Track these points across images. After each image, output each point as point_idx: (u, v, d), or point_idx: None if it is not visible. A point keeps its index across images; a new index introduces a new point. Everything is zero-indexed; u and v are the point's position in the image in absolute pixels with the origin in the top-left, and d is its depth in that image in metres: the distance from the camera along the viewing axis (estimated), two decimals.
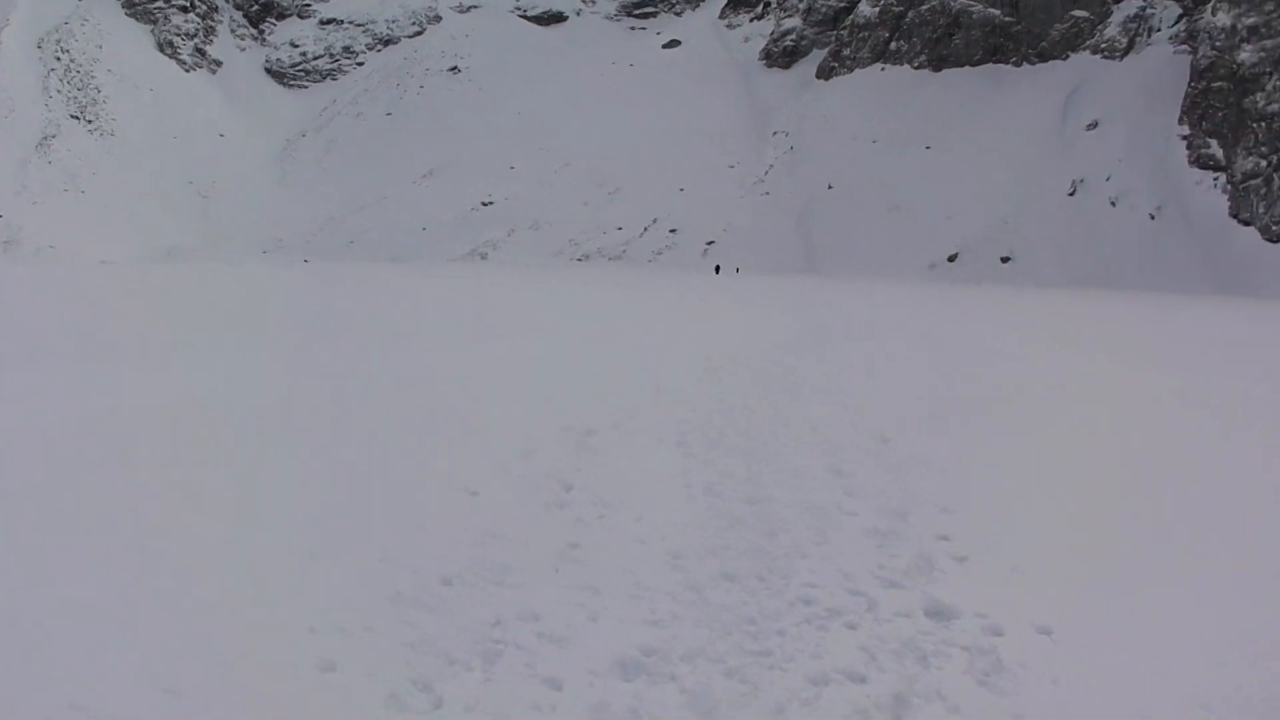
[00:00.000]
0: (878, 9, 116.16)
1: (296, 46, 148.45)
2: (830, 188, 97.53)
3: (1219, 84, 76.32)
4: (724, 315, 30.16)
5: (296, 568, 5.97)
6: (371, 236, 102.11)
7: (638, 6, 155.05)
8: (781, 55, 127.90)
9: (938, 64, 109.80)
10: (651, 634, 5.37)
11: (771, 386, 14.60)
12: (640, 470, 8.81)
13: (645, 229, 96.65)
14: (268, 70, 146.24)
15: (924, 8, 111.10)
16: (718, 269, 77.44)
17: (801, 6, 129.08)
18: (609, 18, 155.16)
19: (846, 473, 9.04)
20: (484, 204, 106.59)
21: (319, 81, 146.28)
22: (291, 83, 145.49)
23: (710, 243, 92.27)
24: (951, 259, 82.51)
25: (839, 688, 4.90)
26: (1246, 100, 73.06)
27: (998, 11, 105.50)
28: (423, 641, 5.11)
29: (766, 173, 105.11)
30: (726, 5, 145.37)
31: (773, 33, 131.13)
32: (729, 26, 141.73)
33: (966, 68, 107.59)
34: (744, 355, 18.69)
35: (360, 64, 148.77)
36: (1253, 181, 71.58)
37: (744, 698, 4.78)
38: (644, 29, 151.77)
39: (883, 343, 22.57)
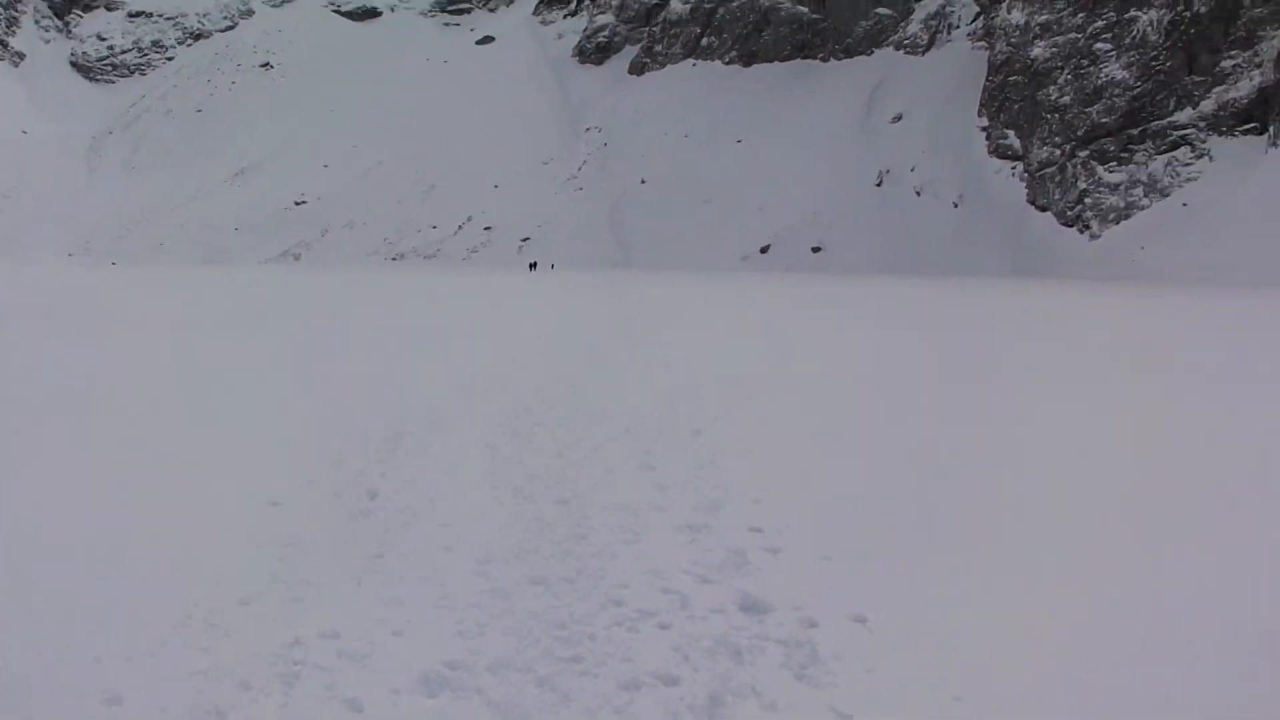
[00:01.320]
0: (689, 6, 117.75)
1: (104, 40, 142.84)
2: (643, 182, 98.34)
3: (1015, 78, 79.35)
4: (535, 311, 29.79)
5: (79, 592, 5.55)
6: (183, 238, 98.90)
7: (452, 3, 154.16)
8: (595, 51, 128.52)
9: (748, 60, 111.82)
10: (458, 645, 5.05)
11: (581, 382, 14.31)
12: (449, 474, 8.49)
13: (460, 227, 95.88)
14: (74, 64, 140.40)
15: (734, 4, 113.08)
16: (533, 265, 77.17)
17: (614, 3, 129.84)
18: (423, 14, 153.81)
19: (659, 468, 8.83)
20: (297, 203, 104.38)
21: (127, 76, 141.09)
22: (99, 77, 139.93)
23: (525, 239, 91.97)
24: (764, 250, 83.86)
25: (652, 690, 4.65)
26: (1040, 93, 76.12)
27: (806, 9, 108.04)
28: (215, 668, 4.68)
29: (580, 168, 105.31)
30: (540, 2, 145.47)
31: (586, 29, 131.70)
32: (543, 23, 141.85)
33: (776, 63, 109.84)
34: (554, 351, 18.48)
35: (170, 59, 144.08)
36: (1048, 169, 74.61)
37: (554, 707, 4.53)
38: (458, 25, 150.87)
39: (694, 333, 22.25)
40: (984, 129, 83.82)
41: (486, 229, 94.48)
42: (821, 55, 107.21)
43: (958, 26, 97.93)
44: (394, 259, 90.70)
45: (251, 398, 12.37)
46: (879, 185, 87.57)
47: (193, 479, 8.05)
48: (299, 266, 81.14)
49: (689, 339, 20.61)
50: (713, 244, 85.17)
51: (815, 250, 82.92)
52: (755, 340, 20.85)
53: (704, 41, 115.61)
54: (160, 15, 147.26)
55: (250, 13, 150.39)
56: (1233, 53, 65.73)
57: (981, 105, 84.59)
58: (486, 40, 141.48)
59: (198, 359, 16.20)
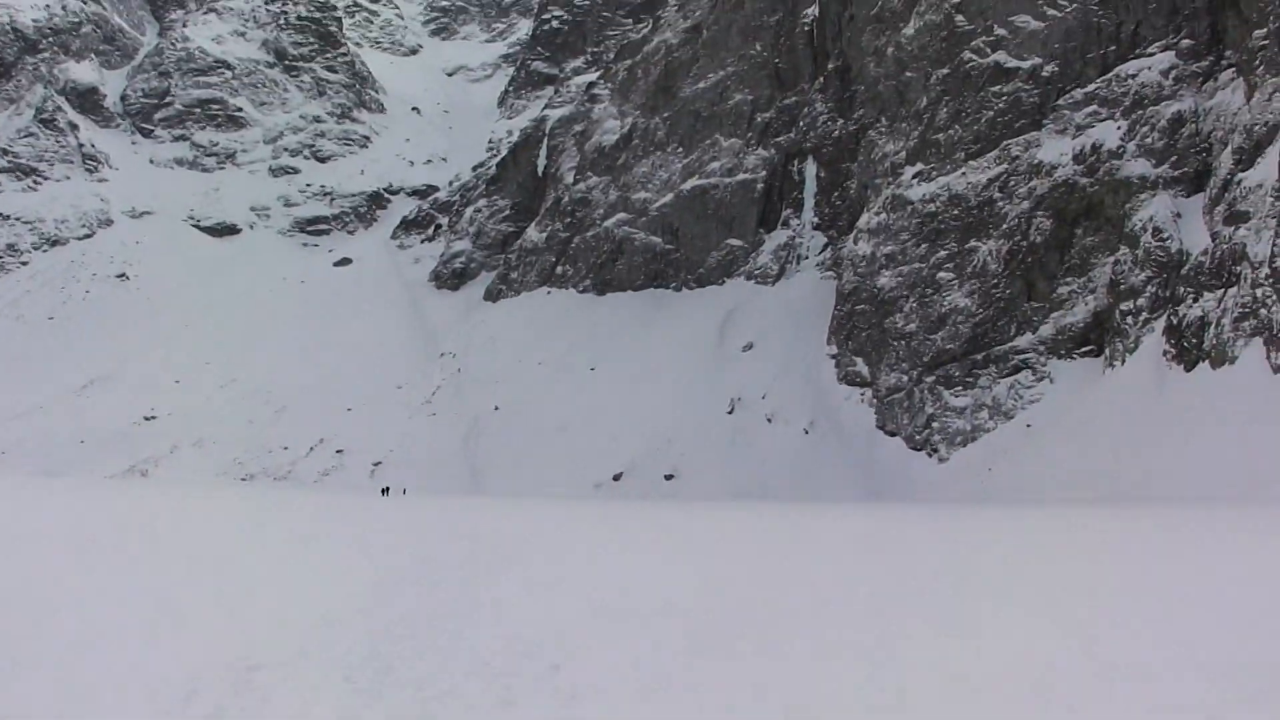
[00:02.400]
0: (545, 234, 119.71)
1: None
2: (497, 409, 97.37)
3: (862, 306, 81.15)
4: (389, 538, 28.34)
5: None
6: (25, 448, 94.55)
7: (310, 223, 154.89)
8: (451, 277, 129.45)
9: (602, 288, 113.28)
10: None
11: (439, 613, 13.72)
12: (307, 710, 7.60)
13: (312, 448, 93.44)
14: None
15: (589, 234, 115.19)
16: (385, 490, 75.09)
17: (471, 230, 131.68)
18: (282, 233, 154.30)
19: (519, 704, 8.46)
20: (147, 418, 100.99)
21: None
22: None
23: (377, 463, 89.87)
24: (617, 478, 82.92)
25: None
26: (887, 321, 77.81)
27: (659, 239, 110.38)
28: None
29: (434, 393, 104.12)
30: (398, 225, 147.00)
31: (443, 255, 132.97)
32: (400, 247, 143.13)
33: (629, 292, 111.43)
34: (410, 581, 17.54)
35: (25, 263, 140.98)
36: (895, 395, 75.60)
37: None
38: (316, 245, 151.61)
39: (543, 563, 21.48)
40: (833, 356, 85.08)
41: (338, 452, 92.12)
42: (674, 284, 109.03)
43: (806, 257, 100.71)
44: (244, 479, 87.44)
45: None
46: (730, 413, 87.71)
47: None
48: (144, 483, 77.45)
49: (541, 572, 19.60)
50: (566, 471, 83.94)
51: (668, 478, 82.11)
52: (604, 572, 20.05)
53: (559, 269, 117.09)
54: (17, 218, 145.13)
55: (109, 222, 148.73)
56: (1068, 279, 68.40)
57: (830, 333, 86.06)
58: (344, 262, 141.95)
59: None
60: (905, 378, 75.28)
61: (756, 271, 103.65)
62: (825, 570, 19.83)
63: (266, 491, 73.02)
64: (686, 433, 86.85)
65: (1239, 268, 56.28)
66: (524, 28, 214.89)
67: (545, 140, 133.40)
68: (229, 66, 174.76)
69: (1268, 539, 22.86)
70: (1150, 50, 68.48)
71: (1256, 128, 58.95)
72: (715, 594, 16.29)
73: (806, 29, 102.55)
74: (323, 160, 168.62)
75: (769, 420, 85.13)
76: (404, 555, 22.98)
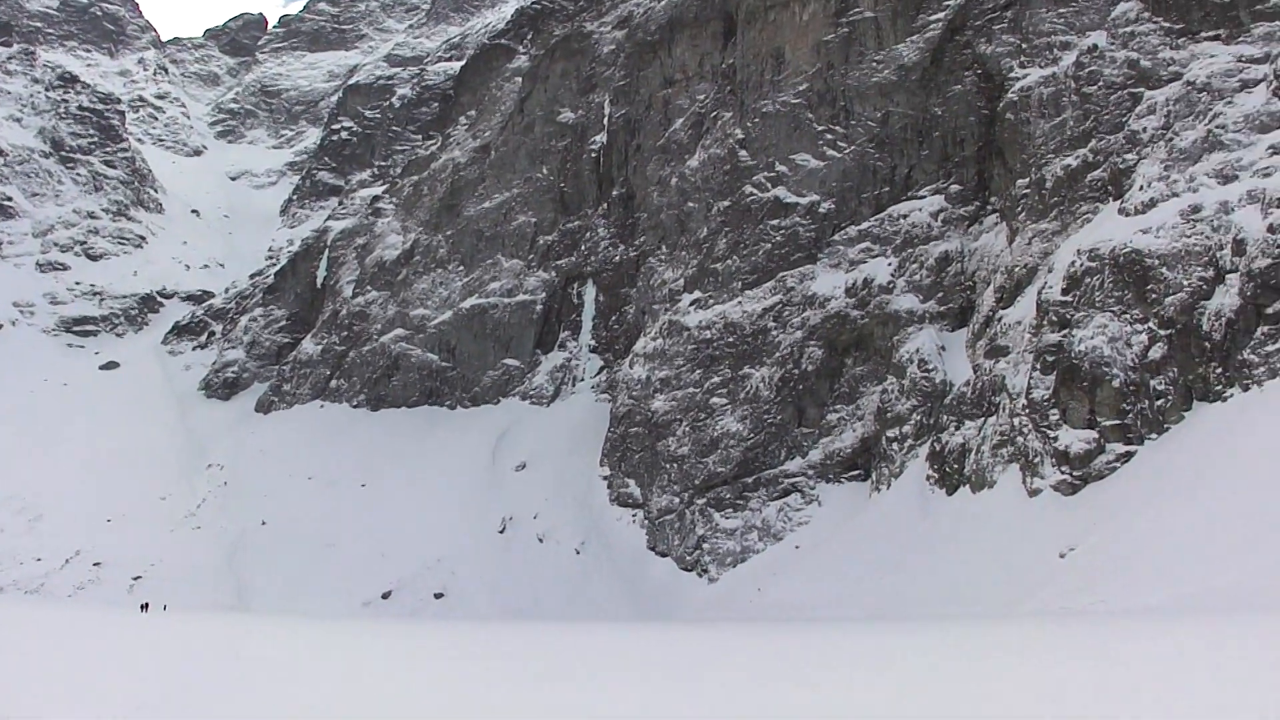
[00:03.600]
0: (320, 347, 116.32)
1: None
2: (264, 523, 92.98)
3: (635, 429, 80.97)
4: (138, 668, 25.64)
5: None
6: None
7: (78, 323, 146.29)
8: (222, 386, 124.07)
9: (376, 404, 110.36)
10: None
11: None
12: None
13: (67, 560, 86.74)
14: None
15: (365, 349, 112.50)
16: (144, 606, 69.87)
17: (245, 339, 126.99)
18: (46, 331, 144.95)
19: None
20: None
21: None
22: None
23: (137, 578, 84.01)
24: (386, 596, 79.84)
25: None
26: (660, 444, 77.73)
27: (435, 356, 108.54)
28: None
29: (199, 506, 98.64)
30: (170, 331, 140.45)
31: (214, 363, 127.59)
32: (171, 353, 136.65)
33: (404, 408, 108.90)
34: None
35: None
36: (667, 517, 75.20)
37: None
38: (82, 347, 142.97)
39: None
40: (606, 478, 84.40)
41: (96, 565, 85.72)
42: (449, 403, 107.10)
43: (582, 379, 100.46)
44: None
45: None
46: (502, 532, 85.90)
47: None
48: None
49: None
50: (334, 588, 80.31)
51: (438, 596, 79.48)
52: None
53: (333, 383, 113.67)
54: None
55: None
56: (837, 406, 69.86)
57: (604, 455, 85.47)
58: (111, 365, 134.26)
59: None
60: (677, 499, 75.02)
61: (532, 392, 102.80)
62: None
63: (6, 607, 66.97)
64: (457, 551, 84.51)
65: (998, 398, 58.34)
66: (312, 136, 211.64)
67: (326, 251, 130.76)
68: (1, 153, 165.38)
69: (1002, 654, 22.50)
70: (921, 193, 71.61)
71: (1017, 269, 61.80)
72: None
73: (593, 155, 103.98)
74: (94, 258, 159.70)
75: (540, 540, 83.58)
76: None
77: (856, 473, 67.56)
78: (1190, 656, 18.09)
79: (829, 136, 75.87)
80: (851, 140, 75.00)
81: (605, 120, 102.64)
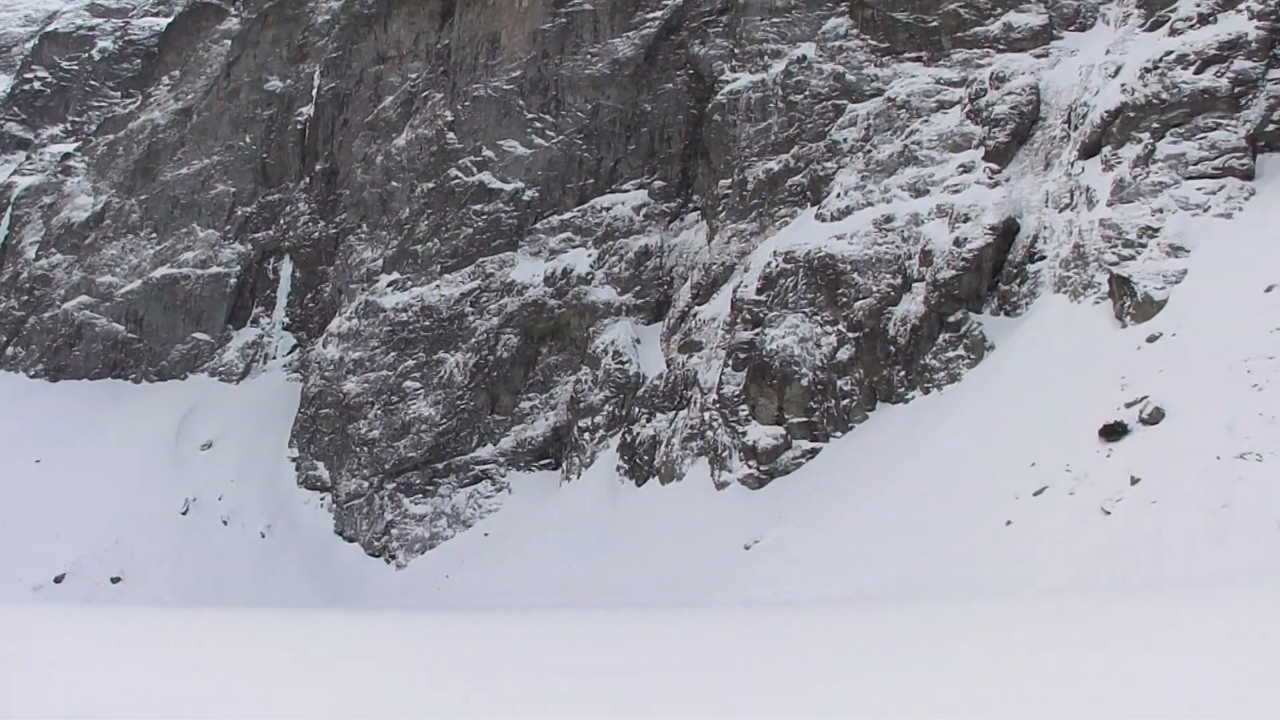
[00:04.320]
0: None
1: None
2: None
3: (326, 410, 75.86)
4: None
5: None
6: None
7: None
8: None
9: (55, 374, 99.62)
10: None
11: None
12: None
13: None
14: None
15: (47, 315, 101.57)
16: None
17: None
18: None
19: None
20: None
21: None
22: None
23: None
24: (59, 579, 71.59)
25: None
26: (350, 426, 72.96)
27: (122, 327, 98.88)
28: None
29: None
30: None
31: None
32: None
33: (86, 380, 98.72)
34: None
35: None
36: (355, 501, 70.72)
37: None
38: None
39: None
40: (294, 459, 78.74)
41: None
42: (134, 376, 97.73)
43: (274, 357, 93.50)
44: None
45: None
46: (185, 513, 78.64)
47: None
48: None
49: None
50: (3, 572, 71.43)
51: (115, 580, 71.88)
52: None
53: (9, 350, 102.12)
54: None
55: None
56: (531, 395, 67.02)
57: (293, 436, 79.74)
58: None
59: None
60: (366, 484, 70.52)
61: (221, 368, 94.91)
62: None
63: None
64: (137, 532, 76.70)
65: (690, 392, 57.09)
66: (2, 84, 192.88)
67: (9, 209, 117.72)
68: None
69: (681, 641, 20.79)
70: (626, 187, 69.41)
71: (714, 267, 60.58)
72: None
73: (299, 127, 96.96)
74: None
75: (225, 522, 76.97)
76: None
77: (548, 461, 64.92)
78: (853, 644, 17.98)
79: (538, 125, 72.69)
80: (560, 130, 72.07)
81: (314, 92, 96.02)
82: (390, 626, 33.25)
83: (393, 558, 66.67)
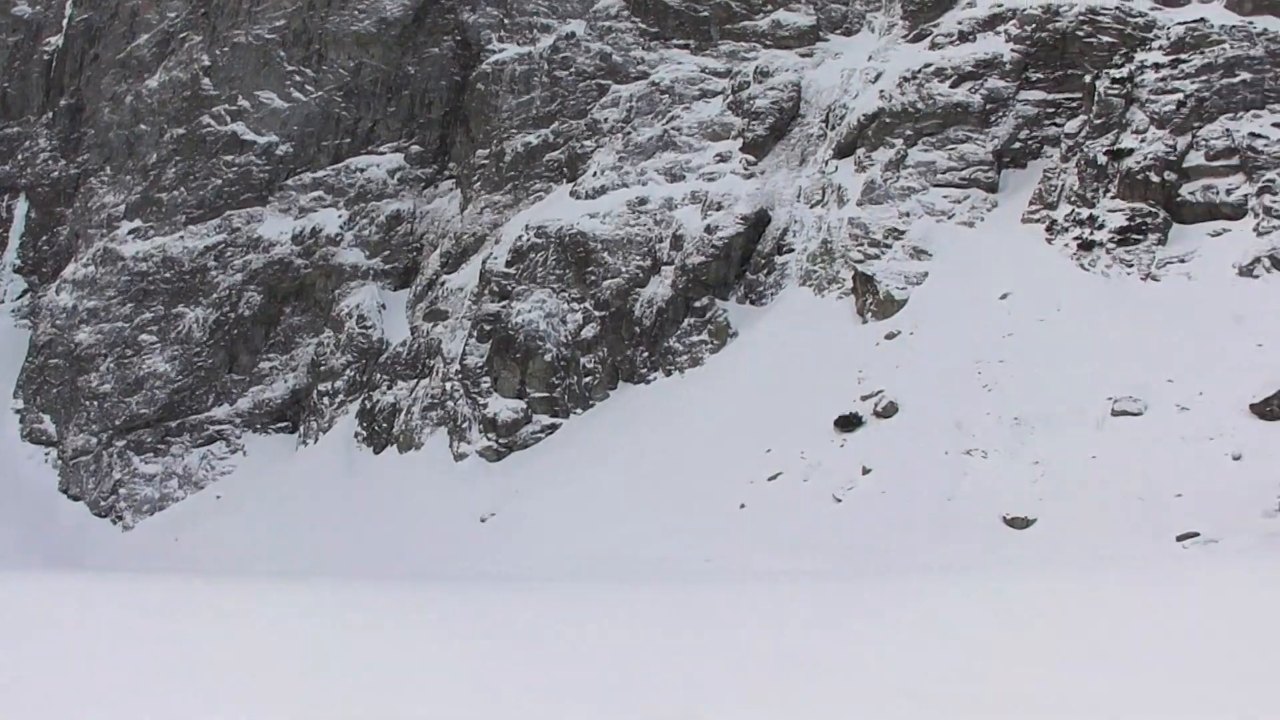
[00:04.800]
0: None
1: None
2: None
3: (56, 361, 70.09)
4: None
5: None
6: None
7: None
8: None
9: None
10: None
11: None
12: None
13: None
14: None
15: None
16: None
17: None
18: None
19: None
20: None
21: None
22: None
23: None
24: None
25: None
26: (81, 379, 67.58)
27: None
28: None
29: None
30: None
31: None
32: None
33: None
34: None
35: None
36: (82, 458, 65.54)
37: None
38: None
39: None
40: (19, 411, 72.45)
41: None
42: None
43: (3, 302, 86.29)
44: None
45: None
46: None
47: None
48: None
49: None
50: None
51: None
52: None
53: None
54: None
55: None
56: (271, 355, 63.33)
57: (19, 386, 73.34)
58: None
59: None
60: (95, 440, 65.42)
61: None
62: None
63: None
64: None
65: (433, 362, 55.10)
66: None
67: None
68: None
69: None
70: (382, 149, 66.34)
71: (465, 236, 58.76)
72: None
73: (46, 58, 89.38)
74: None
75: None
76: None
77: (285, 424, 61.53)
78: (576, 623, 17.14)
79: (298, 78, 68.73)
80: (320, 86, 68.34)
81: (65, 22, 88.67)
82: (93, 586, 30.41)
83: (119, 518, 62.12)
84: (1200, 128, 40.18)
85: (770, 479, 35.32)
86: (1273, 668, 10.15)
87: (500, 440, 49.76)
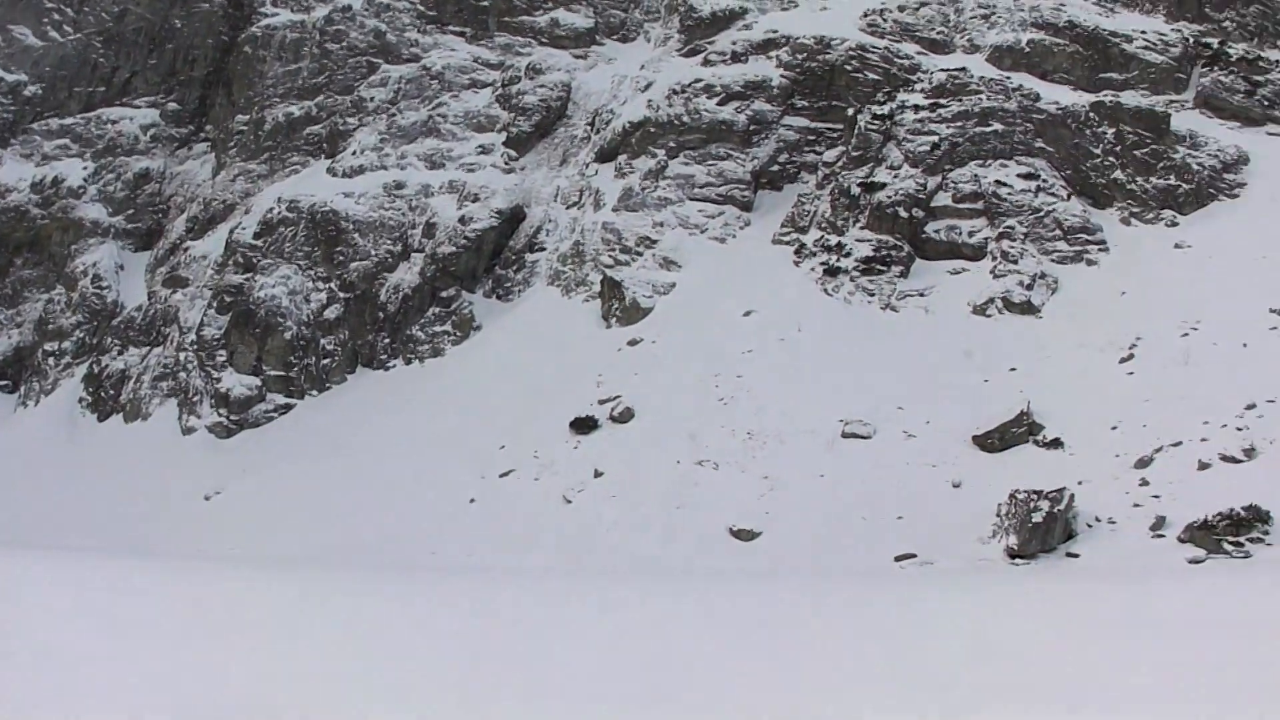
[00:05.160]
0: None
1: None
2: None
3: None
4: None
5: None
6: None
7: None
8: None
9: None
10: None
11: None
12: None
13: None
14: None
15: None
16: None
17: None
18: None
19: None
20: None
21: None
22: None
23: None
24: None
25: None
26: None
27: None
28: None
29: None
30: None
31: None
32: None
33: None
34: None
35: None
36: None
37: None
38: None
39: None
40: None
41: None
42: None
43: None
44: None
45: None
46: None
47: None
48: None
49: None
50: None
51: None
52: None
53: None
54: None
55: None
56: None
57: None
58: None
59: None
60: None
61: None
62: None
63: None
64: None
65: (168, 330, 52.13)
66: None
67: None
68: None
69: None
70: (137, 103, 62.56)
71: (215, 203, 56.18)
72: None
73: None
74: None
75: None
76: None
77: (5, 383, 57.07)
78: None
79: (57, 16, 64.39)
80: (80, 27, 64.20)
81: None
82: None
83: None
84: (951, 170, 41.89)
85: (502, 475, 34.73)
86: (954, 679, 10.48)
87: (232, 417, 47.46)
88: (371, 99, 56.04)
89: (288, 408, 47.58)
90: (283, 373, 47.90)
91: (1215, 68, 47.58)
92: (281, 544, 34.10)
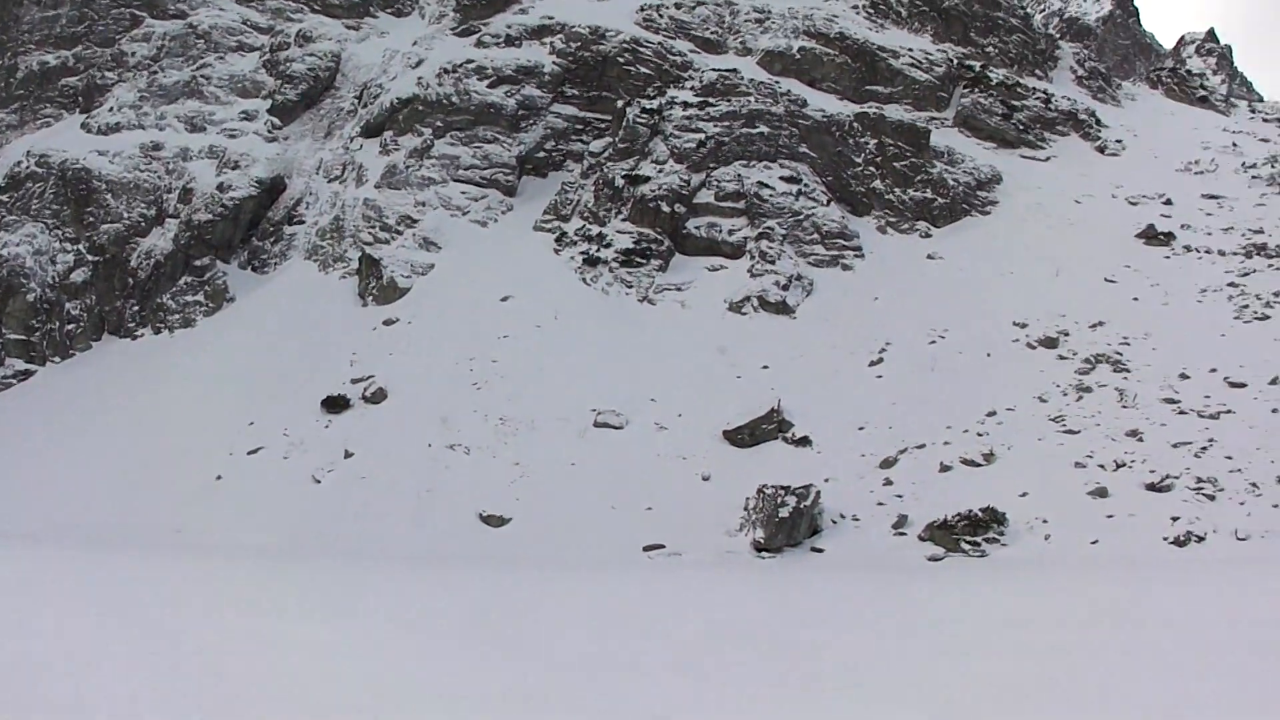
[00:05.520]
0: None
1: None
2: None
3: None
4: None
5: None
6: None
7: None
8: None
9: None
10: None
11: None
12: None
13: None
14: None
15: None
16: None
17: None
18: None
19: None
20: None
21: None
22: None
23: None
24: None
25: None
26: None
27: None
28: None
29: None
30: None
31: None
32: None
33: None
34: None
35: None
36: None
37: None
38: None
39: None
40: None
41: None
42: None
43: None
44: None
45: None
46: None
47: None
48: None
49: None
50: None
51: None
52: None
53: None
54: None
55: None
56: None
57: None
58: None
59: None
60: None
61: None
62: None
63: None
64: None
65: None
66: None
67: None
68: None
69: None
70: None
71: None
72: None
73: None
74: None
75: None
76: None
77: None
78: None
79: None
80: None
81: None
82: None
83: None
84: (715, 169, 42.60)
85: (250, 453, 33.56)
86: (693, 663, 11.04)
87: None
88: (133, 54, 53.36)
89: (28, 374, 44.90)
90: (24, 337, 45.22)
91: (976, 90, 50.01)
92: (12, 519, 32.09)
